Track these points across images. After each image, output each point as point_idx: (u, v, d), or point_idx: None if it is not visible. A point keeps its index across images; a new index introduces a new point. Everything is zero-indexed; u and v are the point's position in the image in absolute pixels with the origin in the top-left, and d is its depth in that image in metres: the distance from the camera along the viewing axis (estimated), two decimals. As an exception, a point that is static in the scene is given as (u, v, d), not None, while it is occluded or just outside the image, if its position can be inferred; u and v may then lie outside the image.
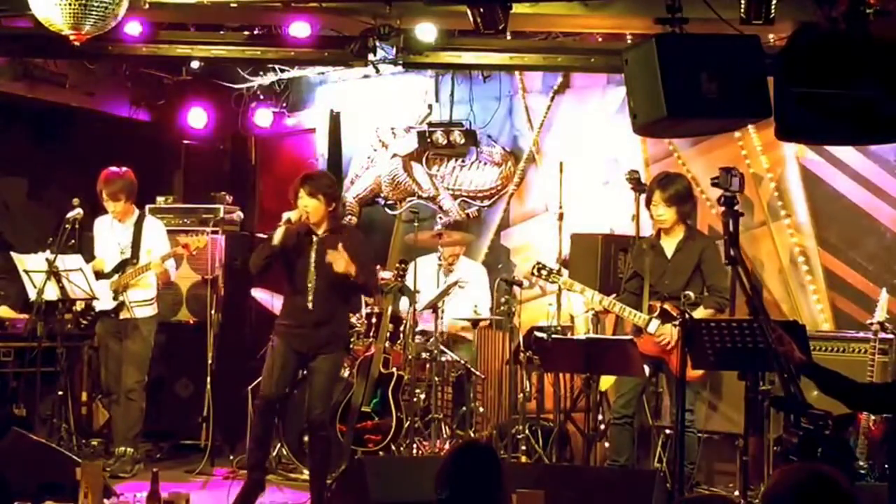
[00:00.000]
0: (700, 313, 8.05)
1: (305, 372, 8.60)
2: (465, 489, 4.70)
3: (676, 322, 8.02)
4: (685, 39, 6.78)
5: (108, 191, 9.51)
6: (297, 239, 8.32)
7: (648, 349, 8.25)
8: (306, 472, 9.25)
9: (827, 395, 6.09)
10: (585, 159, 10.82)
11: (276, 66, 11.79)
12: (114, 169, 9.58)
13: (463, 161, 11.59)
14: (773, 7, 7.00)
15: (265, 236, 10.51)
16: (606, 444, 8.94)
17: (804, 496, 3.97)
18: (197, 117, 12.11)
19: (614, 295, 8.68)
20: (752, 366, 6.92)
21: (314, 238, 8.28)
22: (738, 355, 6.91)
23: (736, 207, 6.58)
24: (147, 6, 8.06)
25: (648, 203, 8.60)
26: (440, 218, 11.29)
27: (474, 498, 4.68)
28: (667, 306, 8.31)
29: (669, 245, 8.55)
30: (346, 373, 9.53)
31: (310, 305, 8.23)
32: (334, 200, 8.40)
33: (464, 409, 9.81)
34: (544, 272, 8.65)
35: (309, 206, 8.20)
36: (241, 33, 9.65)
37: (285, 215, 8.22)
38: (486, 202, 11.52)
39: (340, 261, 8.03)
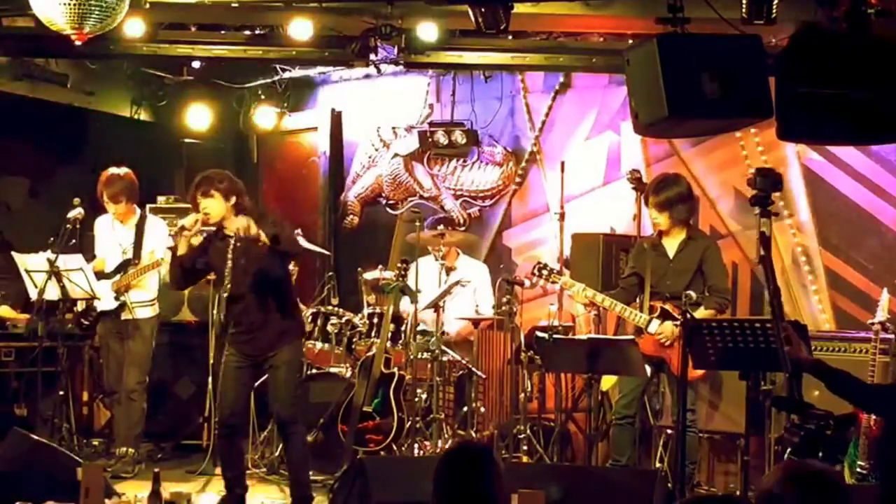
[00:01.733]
0: (701, 313, 8.05)
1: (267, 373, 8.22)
2: (459, 490, 4.69)
3: (677, 322, 8.04)
4: (686, 39, 6.78)
5: (108, 193, 9.50)
6: (213, 245, 8.03)
7: (649, 349, 8.25)
8: (309, 472, 9.26)
9: (835, 395, 6.10)
10: (587, 159, 10.82)
11: (278, 66, 11.79)
12: (114, 170, 9.57)
13: (464, 161, 11.60)
14: (774, 7, 7.00)
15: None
16: (608, 444, 8.94)
17: (798, 493, 3.98)
18: (198, 117, 12.11)
19: (610, 292, 8.69)
20: (753, 366, 6.92)
21: (230, 240, 7.91)
22: (740, 355, 6.91)
23: (770, 208, 6.54)
24: (148, 6, 8.07)
25: (647, 205, 8.63)
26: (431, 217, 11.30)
27: (468, 498, 4.67)
28: (668, 307, 8.31)
29: (671, 245, 8.55)
30: (347, 373, 9.54)
31: (247, 307, 7.94)
32: (233, 194, 7.97)
33: (465, 409, 9.82)
34: (545, 272, 8.65)
35: (208, 207, 7.86)
36: (242, 33, 9.66)
37: (179, 222, 8.01)
38: (488, 202, 11.52)
39: (241, 225, 7.66)
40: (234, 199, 7.94)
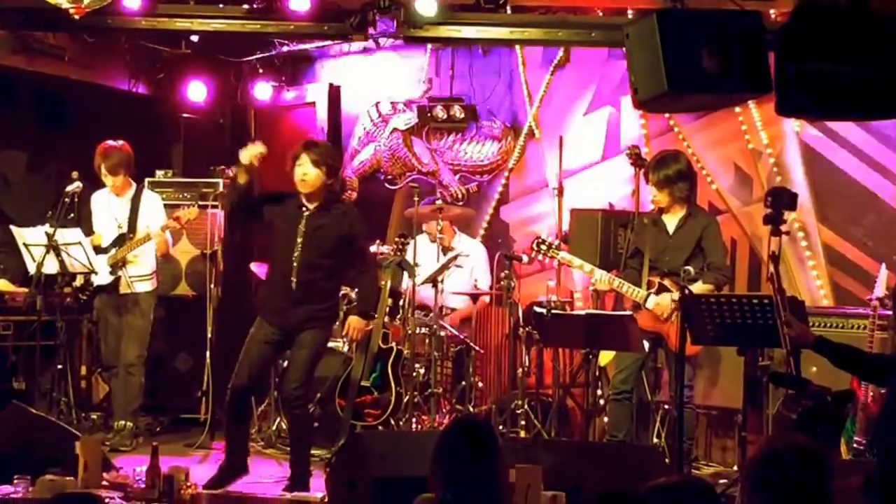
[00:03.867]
0: (699, 288, 8.06)
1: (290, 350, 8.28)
2: (461, 464, 4.70)
3: (675, 297, 8.05)
4: (686, 14, 6.77)
5: (106, 165, 9.48)
6: (287, 209, 8.08)
7: (647, 324, 8.26)
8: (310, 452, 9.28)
9: (840, 369, 6.14)
10: (585, 134, 10.81)
11: (276, 40, 11.75)
12: (111, 142, 9.55)
13: (462, 136, 11.57)
14: (774, -18, 6.99)
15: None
16: (605, 419, 8.95)
17: (778, 465, 4.02)
18: (196, 91, 12.07)
19: (615, 271, 8.70)
20: (751, 341, 6.94)
21: (304, 212, 7.99)
22: (738, 331, 6.94)
23: (782, 227, 6.63)
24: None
25: (647, 183, 8.64)
26: (440, 193, 11.30)
27: (471, 472, 4.69)
28: (666, 282, 8.32)
29: (671, 222, 8.56)
30: (345, 347, 9.54)
31: (293, 282, 7.96)
32: (334, 175, 8.11)
33: (463, 384, 9.83)
34: (544, 247, 8.65)
35: (309, 173, 7.93)
36: (240, 7, 9.60)
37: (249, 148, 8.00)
38: (486, 177, 11.51)
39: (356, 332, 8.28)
40: (332, 180, 8.05)
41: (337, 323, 9.58)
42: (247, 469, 8.18)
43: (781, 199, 7.18)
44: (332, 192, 8.11)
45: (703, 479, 7.23)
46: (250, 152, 7.92)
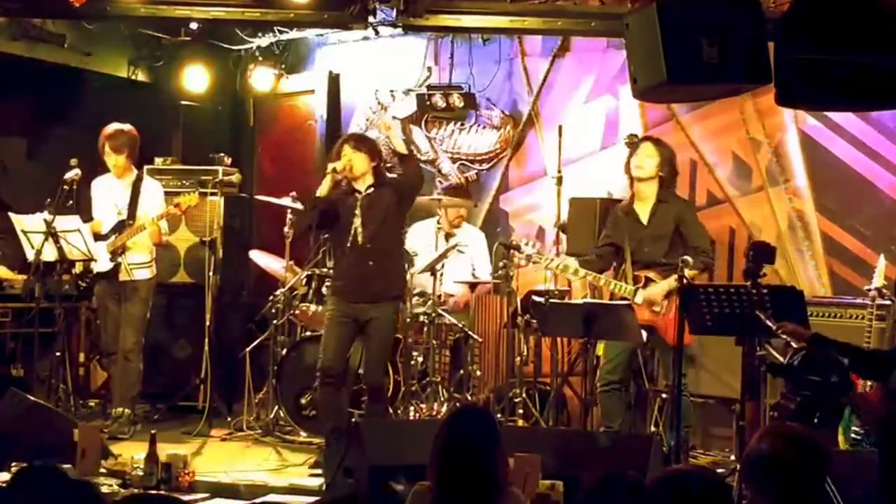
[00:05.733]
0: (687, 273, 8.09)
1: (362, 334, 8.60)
2: (463, 452, 4.72)
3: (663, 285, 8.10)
4: (686, 4, 6.76)
5: (111, 143, 9.48)
6: (342, 198, 8.47)
7: (639, 317, 8.27)
8: (304, 433, 9.29)
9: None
10: (585, 123, 10.81)
11: (276, 28, 11.74)
12: (118, 125, 9.59)
13: (462, 124, 11.57)
14: (773, -28, 6.99)
15: (263, 198, 10.56)
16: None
17: (777, 456, 4.03)
18: (195, 78, 12.05)
19: (580, 257, 8.70)
20: (749, 331, 6.94)
21: (358, 195, 8.44)
22: (736, 320, 6.93)
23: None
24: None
25: (629, 163, 8.57)
26: (440, 182, 11.29)
27: (471, 461, 4.70)
28: (650, 274, 8.33)
29: (643, 210, 8.52)
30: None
31: (361, 260, 8.39)
32: (377, 156, 8.58)
33: (461, 372, 9.84)
34: (517, 252, 8.64)
35: (353, 160, 8.37)
36: (240, -6, 9.62)
37: (330, 165, 8.45)
38: (485, 166, 11.50)
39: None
40: (376, 161, 8.53)
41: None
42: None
43: (762, 254, 7.28)
44: (379, 174, 8.61)
45: (712, 470, 7.24)
46: (342, 163, 8.42)
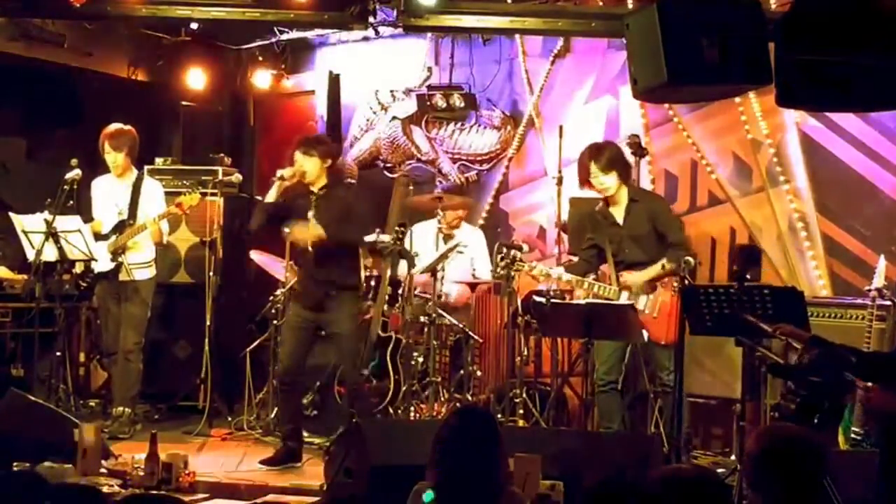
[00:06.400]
0: (658, 270, 8.18)
1: (324, 332, 8.75)
2: (463, 453, 4.72)
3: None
4: (687, 5, 6.75)
5: (111, 142, 9.49)
6: (296, 200, 8.49)
7: None
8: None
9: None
10: (585, 124, 10.81)
11: (276, 28, 11.74)
12: (118, 125, 9.60)
13: (462, 124, 11.57)
14: (774, -27, 6.99)
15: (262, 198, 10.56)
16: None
17: (774, 456, 4.04)
18: (196, 78, 12.06)
19: (566, 264, 8.76)
20: (749, 332, 6.93)
21: (312, 197, 8.48)
22: (737, 321, 6.93)
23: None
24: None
25: (585, 180, 8.56)
26: (440, 182, 11.29)
27: (472, 461, 4.70)
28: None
29: (618, 212, 8.54)
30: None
31: (313, 262, 8.42)
32: (330, 157, 8.59)
33: (461, 372, 9.84)
34: (507, 261, 8.62)
35: (305, 165, 8.43)
36: (240, -6, 9.61)
37: (279, 172, 8.50)
38: (486, 166, 11.50)
39: (306, 233, 8.36)
40: (329, 162, 8.57)
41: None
42: (298, 456, 8.61)
43: (749, 258, 7.37)
44: (333, 174, 8.70)
45: (712, 469, 7.24)
46: (291, 170, 8.50)
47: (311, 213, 8.41)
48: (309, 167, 8.46)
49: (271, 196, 8.53)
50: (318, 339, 9.05)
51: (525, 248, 9.69)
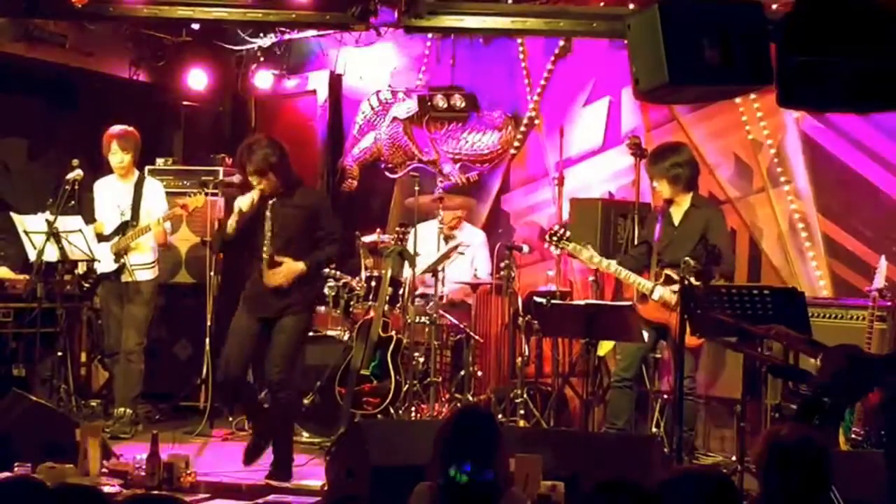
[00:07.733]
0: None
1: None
2: (464, 453, 4.72)
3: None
4: (688, 6, 6.75)
5: (121, 143, 9.52)
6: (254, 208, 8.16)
7: (654, 315, 8.31)
8: (305, 434, 9.29)
9: None
10: (586, 124, 10.81)
11: (277, 28, 11.74)
12: (123, 126, 9.62)
13: (463, 125, 11.57)
14: (776, -27, 6.99)
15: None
16: (604, 409, 8.98)
17: (784, 455, 4.05)
18: (197, 79, 12.06)
19: (619, 258, 8.76)
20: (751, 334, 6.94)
21: (269, 202, 8.13)
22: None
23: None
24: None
25: (652, 178, 8.74)
26: (440, 182, 11.30)
27: (473, 461, 4.70)
28: (671, 273, 8.35)
29: (677, 213, 8.64)
30: (345, 336, 9.56)
31: (266, 272, 8.08)
32: (284, 166, 8.15)
33: (462, 372, 9.84)
34: (555, 238, 8.67)
35: (264, 187, 8.06)
36: (242, -5, 9.61)
37: (237, 205, 8.14)
38: (486, 166, 11.50)
39: (278, 279, 8.05)
40: (284, 168, 8.14)
41: (336, 310, 9.62)
42: (261, 450, 8.37)
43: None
44: (286, 176, 8.21)
45: (722, 471, 7.25)
46: (249, 200, 8.09)
47: (266, 227, 8.09)
48: (267, 186, 8.07)
49: (231, 227, 8.15)
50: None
51: (526, 248, 9.74)
